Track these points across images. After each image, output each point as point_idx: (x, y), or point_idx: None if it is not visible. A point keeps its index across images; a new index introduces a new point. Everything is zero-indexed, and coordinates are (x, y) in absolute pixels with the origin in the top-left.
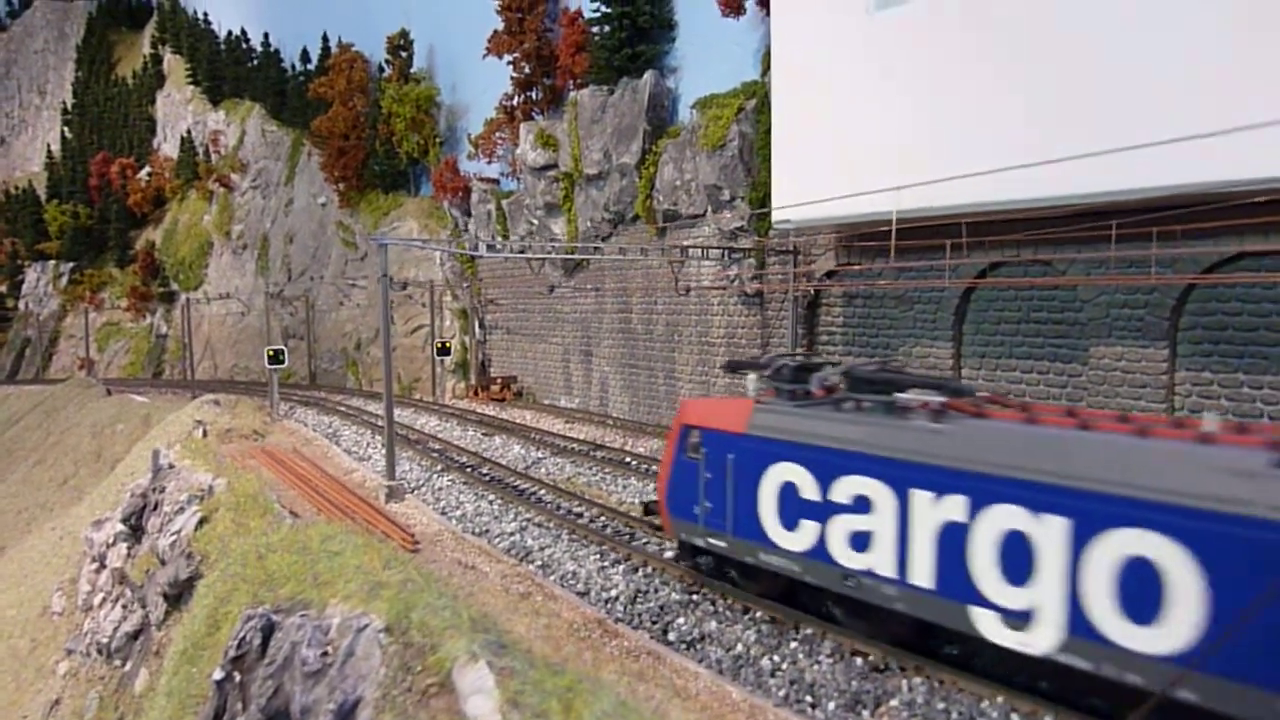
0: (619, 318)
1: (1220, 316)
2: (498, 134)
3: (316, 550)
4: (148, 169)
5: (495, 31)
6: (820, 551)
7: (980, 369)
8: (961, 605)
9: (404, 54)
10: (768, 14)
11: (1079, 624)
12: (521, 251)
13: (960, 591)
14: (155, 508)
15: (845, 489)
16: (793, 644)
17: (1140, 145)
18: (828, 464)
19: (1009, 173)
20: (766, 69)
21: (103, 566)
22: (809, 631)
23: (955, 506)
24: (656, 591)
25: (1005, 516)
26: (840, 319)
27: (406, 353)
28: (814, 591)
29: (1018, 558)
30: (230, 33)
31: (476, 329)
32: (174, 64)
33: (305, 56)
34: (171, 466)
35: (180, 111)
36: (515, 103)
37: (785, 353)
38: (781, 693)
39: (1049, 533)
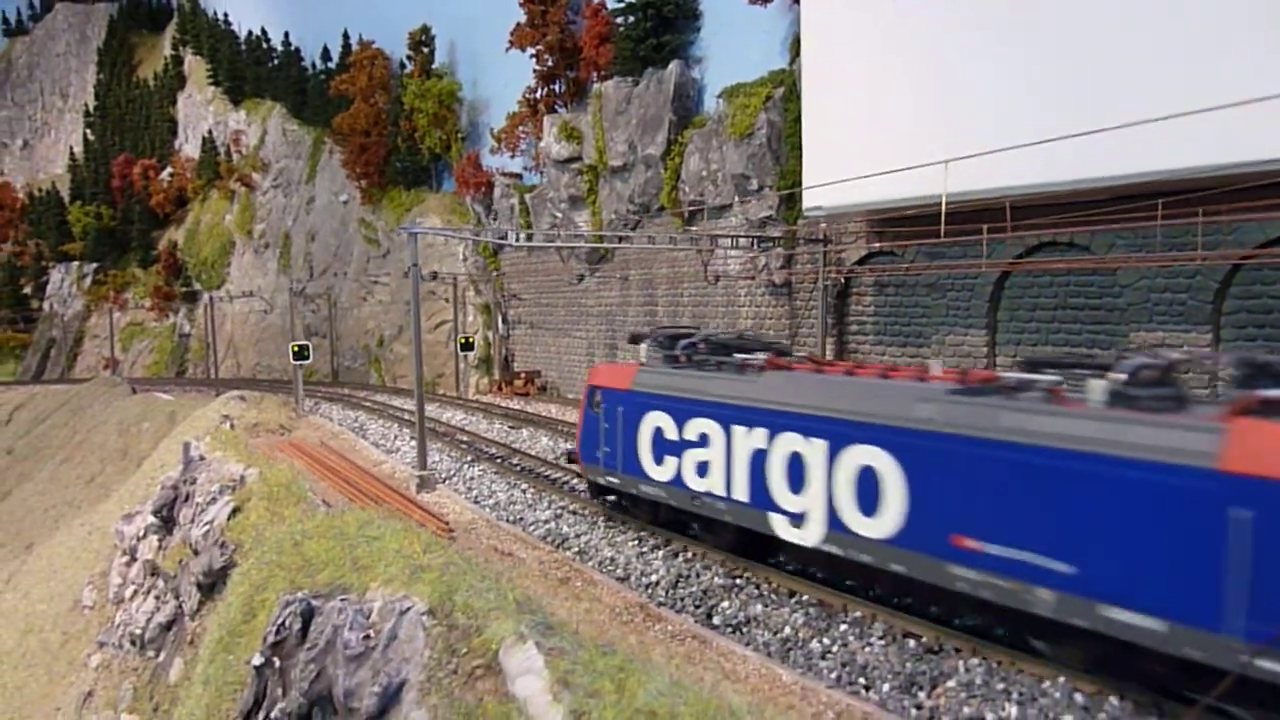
0: (644, 310)
1: (1266, 300)
2: (521, 128)
3: (354, 536)
4: (169, 170)
5: (518, 24)
6: (678, 480)
7: (1016, 356)
8: (764, 512)
9: (425, 49)
10: (795, 1)
11: (834, 520)
12: (550, 240)
13: (763, 502)
14: (187, 499)
15: (693, 429)
16: (842, 626)
17: (1187, 113)
18: (683, 410)
19: (1052, 155)
20: (795, 56)
21: (133, 559)
22: (858, 614)
23: (760, 437)
24: (698, 576)
25: (788, 442)
26: (871, 308)
27: (430, 348)
28: (676, 512)
29: (796, 473)
30: (250, 33)
31: (500, 324)
32: (195, 65)
33: (326, 55)
34: (202, 458)
35: (201, 112)
36: (538, 96)
37: (668, 326)
38: (833, 675)
39: (815, 452)
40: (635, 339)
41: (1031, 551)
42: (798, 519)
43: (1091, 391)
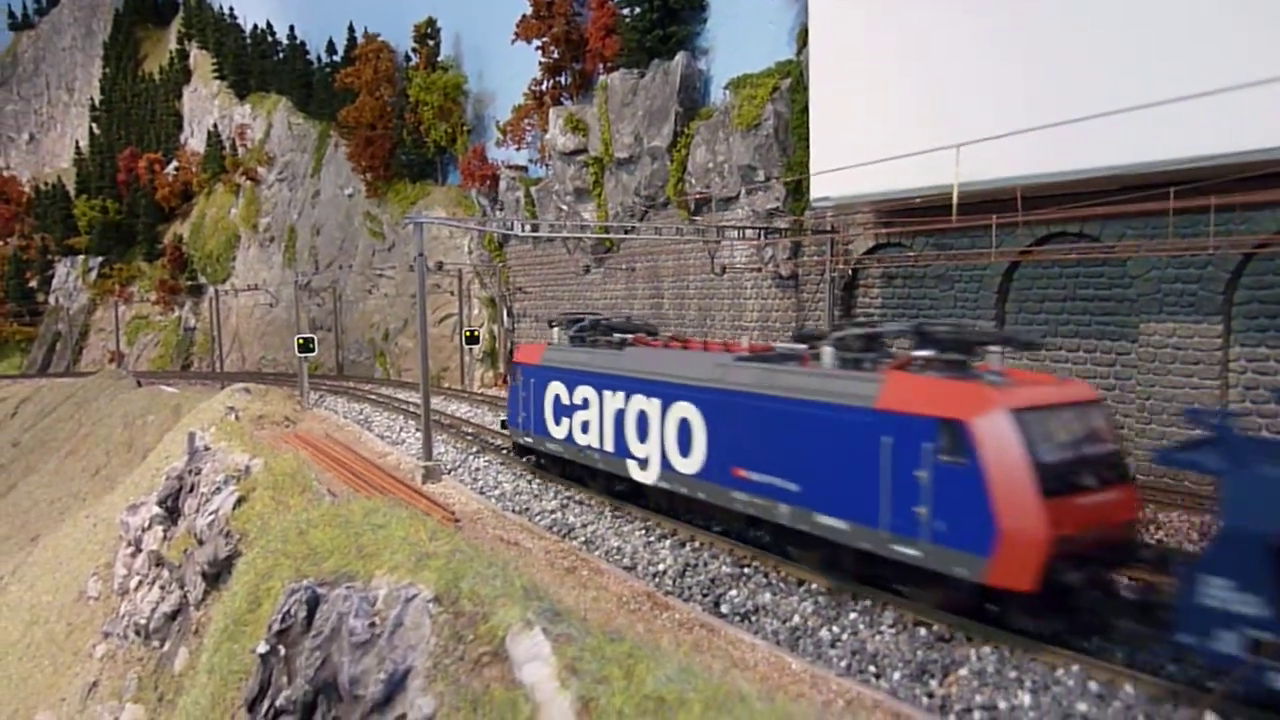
0: (650, 303)
1: (1278, 290)
2: (526, 120)
3: (360, 524)
4: (175, 164)
5: (524, 16)
6: (570, 437)
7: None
8: (622, 459)
9: (431, 42)
10: None
11: (665, 462)
12: (556, 231)
13: (622, 451)
14: (191, 489)
15: (579, 395)
16: (852, 615)
17: (1198, 95)
18: (572, 380)
19: (1063, 143)
20: (802, 47)
21: (138, 550)
22: (867, 603)
23: (620, 399)
24: (706, 565)
25: (638, 402)
26: (878, 299)
27: (435, 342)
28: (572, 464)
29: (643, 426)
30: (256, 26)
31: (505, 317)
32: (200, 59)
33: (331, 48)
34: (207, 448)
35: (207, 106)
36: (544, 88)
37: (574, 312)
38: (843, 663)
39: (653, 409)
40: (551, 324)
41: (776, 476)
42: (643, 463)
43: (823, 356)
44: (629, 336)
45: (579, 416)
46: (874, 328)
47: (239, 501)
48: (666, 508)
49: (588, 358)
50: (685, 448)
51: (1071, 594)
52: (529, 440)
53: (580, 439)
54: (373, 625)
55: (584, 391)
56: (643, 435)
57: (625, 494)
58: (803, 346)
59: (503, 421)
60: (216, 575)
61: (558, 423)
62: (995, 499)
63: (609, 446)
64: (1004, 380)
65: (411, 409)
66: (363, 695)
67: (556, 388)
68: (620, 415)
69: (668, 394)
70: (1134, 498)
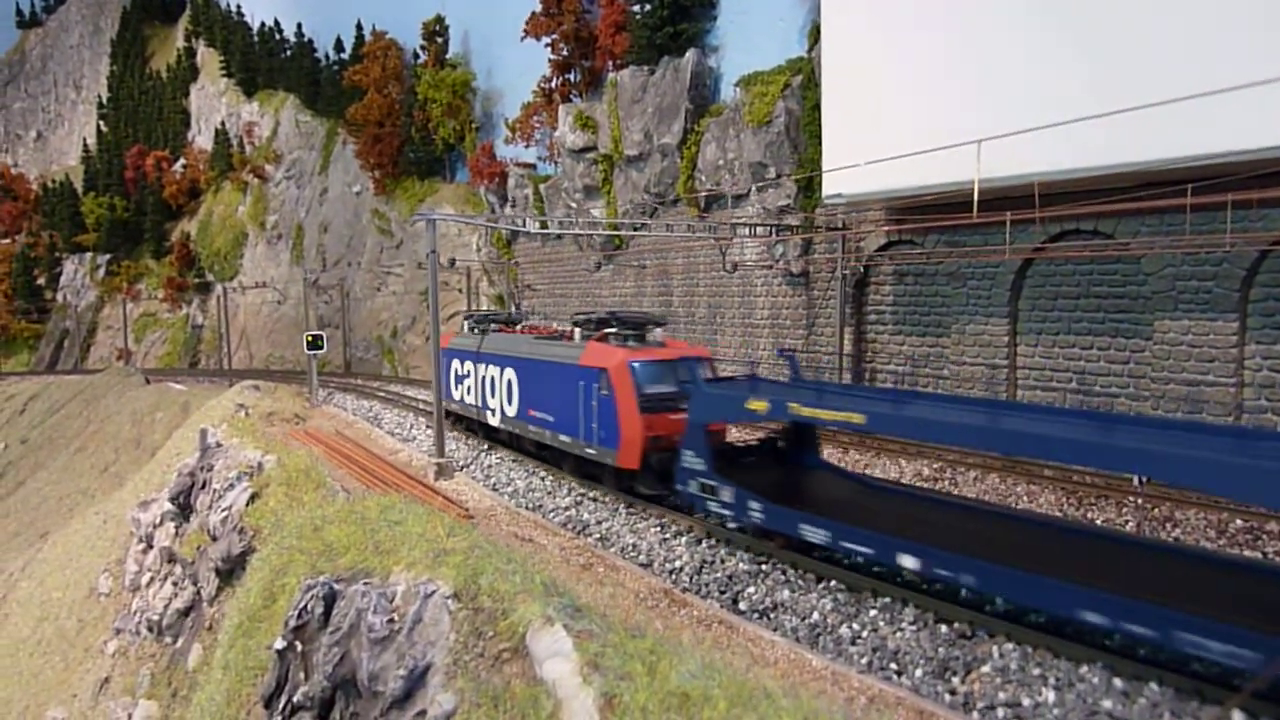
0: (660, 301)
1: None
2: (535, 117)
3: (376, 520)
4: (182, 161)
5: (533, 13)
6: (461, 399)
7: (1037, 345)
8: (485, 411)
9: (439, 39)
10: None
11: (503, 411)
12: (567, 228)
13: (484, 405)
14: (204, 486)
15: (465, 368)
16: (872, 612)
17: (1216, 92)
18: (462, 358)
19: (1081, 140)
20: (813, 44)
21: (150, 546)
22: (886, 600)
23: (481, 368)
24: (723, 562)
25: (490, 370)
26: (890, 297)
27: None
28: (468, 420)
29: (494, 387)
30: (263, 24)
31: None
32: (207, 57)
33: (339, 45)
34: (219, 445)
35: (214, 104)
36: (553, 85)
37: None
38: (864, 660)
39: (498, 374)
40: (465, 316)
41: (546, 413)
42: (494, 412)
43: (575, 334)
44: (494, 325)
45: (465, 383)
46: (592, 314)
47: (252, 498)
48: (509, 442)
49: (469, 342)
50: (510, 399)
51: (659, 468)
52: (453, 406)
53: (466, 399)
54: (391, 621)
55: (467, 365)
56: (492, 393)
57: (490, 436)
58: (569, 328)
59: None
60: (230, 571)
61: (456, 388)
62: (618, 417)
63: (477, 402)
64: (640, 345)
65: (421, 406)
66: (382, 691)
67: (455, 364)
68: (482, 380)
69: (503, 364)
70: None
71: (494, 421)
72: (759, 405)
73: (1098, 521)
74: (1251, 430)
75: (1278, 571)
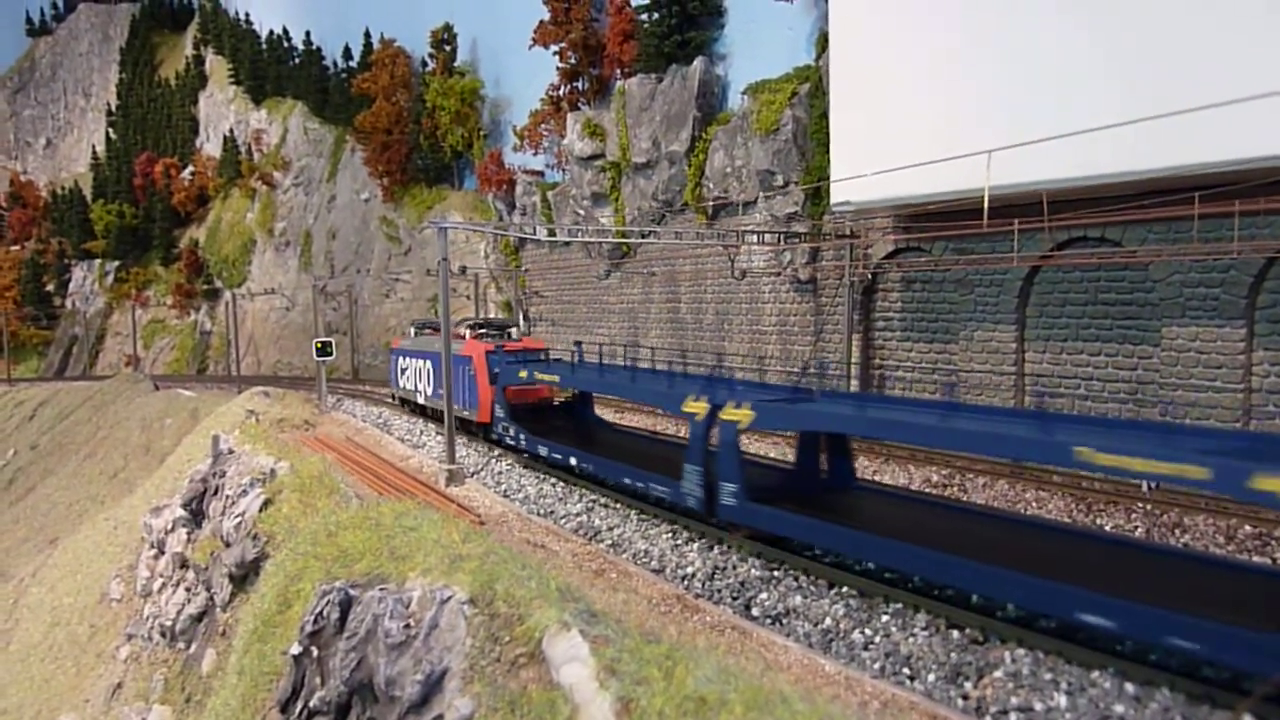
0: (667, 308)
1: None
2: (543, 125)
3: (391, 526)
4: (191, 168)
5: (541, 22)
6: (403, 385)
7: (1045, 352)
8: (415, 393)
9: (448, 48)
10: None
11: (426, 393)
12: (577, 236)
13: (416, 390)
14: (216, 492)
15: (405, 362)
16: (884, 617)
17: (1226, 103)
18: (407, 354)
19: (1089, 148)
20: (821, 52)
21: (161, 552)
22: (899, 605)
23: (413, 361)
24: (734, 568)
25: (418, 363)
26: (898, 304)
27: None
28: (410, 403)
29: (423, 376)
30: (272, 32)
31: (521, 322)
32: (216, 64)
33: (347, 54)
34: (231, 451)
35: (223, 111)
36: (561, 93)
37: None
38: (877, 665)
39: (422, 365)
40: (410, 324)
41: (431, 387)
42: (422, 393)
43: (466, 334)
44: (426, 330)
45: (406, 374)
46: (474, 320)
47: (265, 504)
48: (432, 415)
49: (408, 343)
50: (427, 383)
51: (523, 422)
52: (398, 392)
53: (406, 385)
54: (408, 627)
55: (406, 360)
56: (420, 379)
57: (419, 412)
58: (463, 329)
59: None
60: (244, 577)
61: (401, 378)
62: (478, 388)
63: (412, 387)
64: (497, 341)
65: (430, 412)
66: (399, 696)
67: (400, 360)
68: (415, 371)
69: (424, 357)
70: (545, 390)
71: (421, 400)
72: (548, 377)
73: (1106, 527)
74: (1182, 426)
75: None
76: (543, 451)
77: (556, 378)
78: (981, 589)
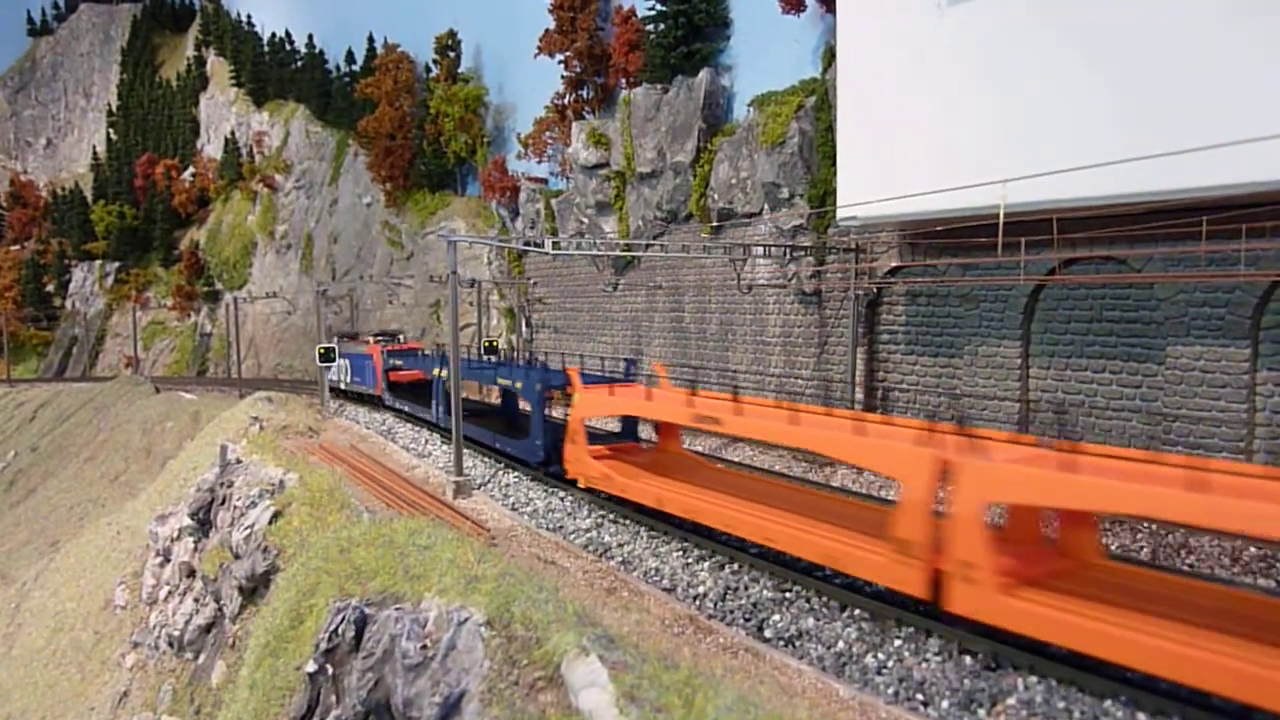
0: (671, 317)
1: None
2: (548, 133)
3: (404, 544)
4: (192, 170)
5: (547, 31)
6: (332, 378)
7: (1049, 368)
8: (339, 382)
9: (452, 54)
10: (828, 11)
11: (348, 380)
12: (586, 248)
13: (340, 380)
14: (224, 502)
15: (338, 361)
16: (896, 642)
17: (1239, 140)
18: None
19: (1099, 169)
20: (827, 66)
21: (167, 560)
22: (910, 629)
23: (341, 361)
24: (746, 589)
25: (345, 361)
26: (903, 317)
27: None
28: (344, 392)
29: (344, 370)
30: (274, 35)
31: (523, 328)
32: (217, 66)
33: (350, 58)
34: (239, 461)
35: (224, 113)
36: (566, 102)
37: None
38: (890, 690)
39: (345, 364)
40: (337, 334)
41: (359, 377)
42: (342, 381)
43: (371, 340)
44: (344, 339)
45: (343, 370)
46: (374, 331)
47: (275, 516)
48: (356, 399)
49: (340, 347)
50: (346, 374)
51: (396, 394)
52: (338, 385)
53: (342, 378)
54: (425, 648)
55: (342, 361)
56: (341, 373)
57: (341, 395)
58: (370, 338)
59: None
60: (254, 590)
61: (339, 373)
62: (376, 372)
63: (335, 378)
64: (387, 345)
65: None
66: (417, 717)
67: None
68: (338, 367)
69: (343, 357)
70: (420, 374)
71: (344, 386)
72: (397, 365)
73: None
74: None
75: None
76: (405, 409)
77: (418, 369)
78: (479, 438)
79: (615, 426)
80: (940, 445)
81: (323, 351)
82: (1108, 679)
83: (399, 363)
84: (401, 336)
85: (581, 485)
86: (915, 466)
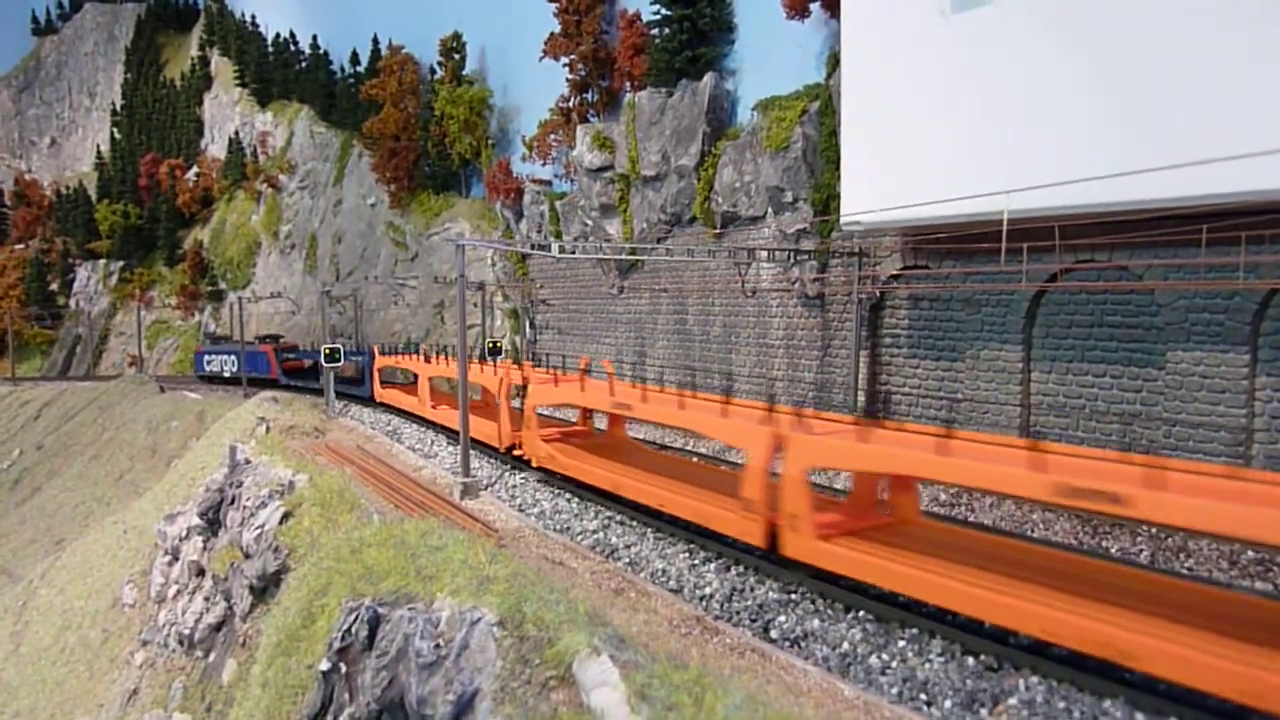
0: (674, 319)
1: None
2: (552, 136)
3: (416, 545)
4: (196, 169)
5: (552, 34)
6: (213, 370)
7: (1051, 373)
8: (223, 372)
9: (456, 56)
10: (832, 16)
11: (229, 372)
12: (592, 252)
13: (223, 371)
14: (233, 502)
15: (211, 358)
16: (900, 642)
17: (1242, 156)
18: (210, 354)
19: (1095, 174)
20: (831, 71)
21: (175, 559)
22: (914, 631)
23: (220, 357)
24: (753, 590)
25: (228, 358)
26: (905, 321)
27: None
28: (216, 378)
29: (226, 363)
30: (278, 35)
31: (527, 329)
32: (221, 66)
33: (355, 59)
34: (248, 461)
35: (228, 113)
36: (571, 104)
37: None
38: (894, 690)
39: (229, 360)
40: (206, 336)
41: (232, 369)
42: (227, 372)
43: (256, 342)
44: (217, 340)
45: (212, 364)
46: (262, 335)
47: (285, 516)
48: (228, 382)
49: (209, 348)
50: (227, 366)
51: (290, 376)
52: (198, 371)
53: (211, 369)
54: (438, 647)
55: (210, 357)
56: (223, 365)
57: (225, 382)
58: (255, 340)
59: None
60: (264, 589)
61: (206, 365)
62: (270, 365)
63: (217, 370)
64: (276, 343)
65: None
66: (431, 715)
67: (205, 356)
68: (219, 361)
69: (225, 354)
70: (304, 363)
71: (226, 375)
72: (289, 357)
73: (1112, 550)
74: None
75: None
76: (298, 384)
77: (303, 360)
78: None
79: (572, 416)
80: (776, 423)
81: (329, 352)
82: (1108, 679)
83: (290, 355)
84: (283, 339)
85: (534, 465)
86: (756, 439)
